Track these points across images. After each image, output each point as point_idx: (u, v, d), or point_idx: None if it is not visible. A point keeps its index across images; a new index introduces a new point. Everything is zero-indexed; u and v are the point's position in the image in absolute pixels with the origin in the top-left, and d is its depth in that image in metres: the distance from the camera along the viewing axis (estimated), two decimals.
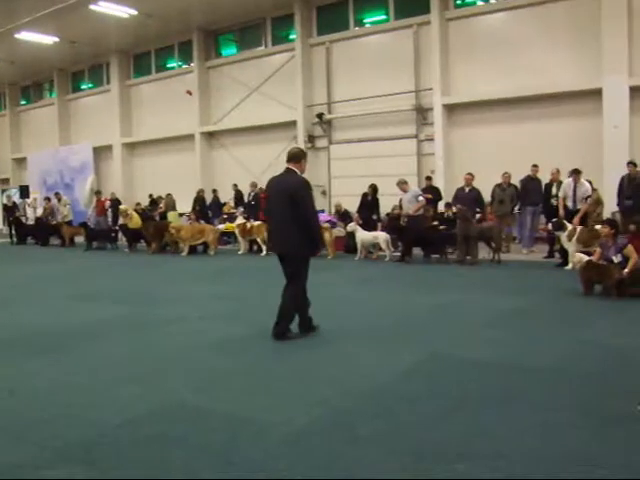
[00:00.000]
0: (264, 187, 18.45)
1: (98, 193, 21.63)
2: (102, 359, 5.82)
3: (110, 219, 20.81)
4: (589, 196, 11.98)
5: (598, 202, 13.23)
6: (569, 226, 11.09)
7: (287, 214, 6.21)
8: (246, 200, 18.69)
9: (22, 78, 30.48)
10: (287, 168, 6.42)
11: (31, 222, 23.09)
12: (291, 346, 6.14)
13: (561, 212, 11.87)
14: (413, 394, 4.59)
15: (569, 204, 11.98)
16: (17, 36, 21.53)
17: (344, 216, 15.91)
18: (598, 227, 10.93)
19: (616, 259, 8.37)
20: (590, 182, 12.40)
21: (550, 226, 11.53)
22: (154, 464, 3.51)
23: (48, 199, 22.81)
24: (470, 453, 3.54)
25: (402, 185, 13.36)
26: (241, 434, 3.88)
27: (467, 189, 13.54)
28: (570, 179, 12.13)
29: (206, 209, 19.51)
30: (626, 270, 8.18)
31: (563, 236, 11.10)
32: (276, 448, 3.66)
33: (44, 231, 21.01)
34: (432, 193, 15.14)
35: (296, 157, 6.44)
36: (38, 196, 26.11)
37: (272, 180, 6.64)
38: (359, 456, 3.54)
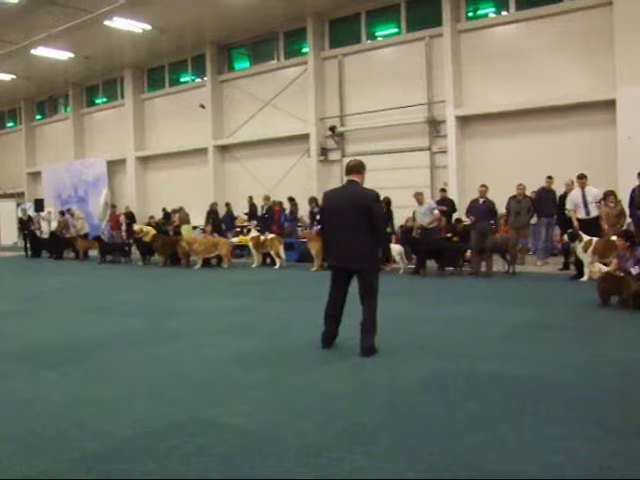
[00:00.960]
0: (277, 200, 18.62)
1: (114, 207, 21.80)
2: (116, 372, 5.82)
3: (124, 232, 20.94)
4: (602, 199, 11.92)
5: (621, 214, 13.09)
6: (585, 237, 11.00)
7: (360, 227, 6.05)
8: (259, 213, 18.72)
9: (37, 93, 30.89)
10: (350, 180, 6.31)
11: (45, 235, 23.28)
12: (307, 361, 6.11)
13: (575, 224, 11.78)
14: (429, 408, 4.55)
15: (581, 214, 11.87)
16: (33, 52, 21.84)
17: None
18: (614, 238, 10.85)
19: (634, 271, 8.29)
20: (615, 193, 12.34)
21: (566, 237, 11.43)
22: (170, 477, 3.49)
23: (62, 213, 23.01)
24: (487, 468, 3.49)
25: (419, 196, 13.36)
26: (258, 448, 3.86)
27: (481, 201, 13.48)
28: (577, 189, 12.05)
29: (219, 222, 19.57)
30: None
31: (579, 247, 11.02)
32: (293, 463, 3.64)
33: (58, 244, 21.15)
34: (446, 205, 15.10)
35: (358, 168, 6.32)
36: (52, 210, 26.35)
37: (333, 192, 6.54)
38: (376, 471, 3.50)
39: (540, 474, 3.40)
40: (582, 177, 11.96)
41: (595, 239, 10.98)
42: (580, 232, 11.19)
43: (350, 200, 6.16)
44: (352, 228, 6.08)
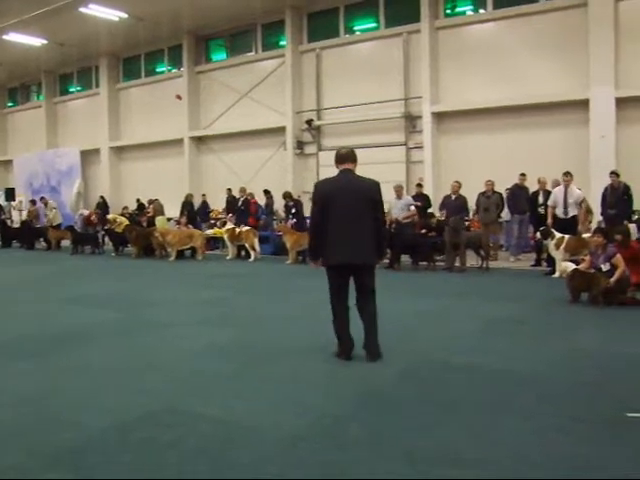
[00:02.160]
0: (252, 192, 18.50)
1: (94, 211, 21.44)
2: (91, 363, 5.78)
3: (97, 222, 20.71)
4: (582, 201, 12.03)
5: (588, 211, 13.34)
6: (557, 235, 11.16)
7: (366, 219, 5.65)
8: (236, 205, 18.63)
9: (9, 80, 30.33)
10: (346, 169, 5.77)
11: (17, 225, 22.91)
12: (281, 352, 6.12)
13: (549, 220, 11.93)
14: (404, 399, 4.60)
15: (559, 212, 11.93)
16: (5, 37, 21.44)
17: None
18: (585, 236, 11.05)
19: (604, 267, 8.45)
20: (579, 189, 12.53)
21: (538, 234, 11.58)
22: (145, 469, 3.48)
23: (33, 202, 22.67)
24: (460, 458, 3.55)
25: (399, 190, 13.42)
26: (233, 439, 3.87)
27: (454, 197, 13.61)
28: (560, 186, 12.14)
29: (194, 214, 19.46)
30: (613, 279, 8.25)
31: (551, 244, 11.17)
32: (268, 453, 3.65)
33: (30, 234, 20.82)
34: (422, 200, 15.19)
35: (352, 157, 5.82)
36: (24, 199, 25.95)
37: (332, 183, 5.83)
38: (350, 461, 3.54)
39: (513, 464, 3.47)
40: (567, 175, 11.99)
41: (567, 236, 11.14)
42: (552, 230, 11.35)
43: (355, 191, 5.68)
44: (359, 220, 5.63)
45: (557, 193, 12.07)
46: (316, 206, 5.79)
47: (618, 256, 8.47)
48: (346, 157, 5.80)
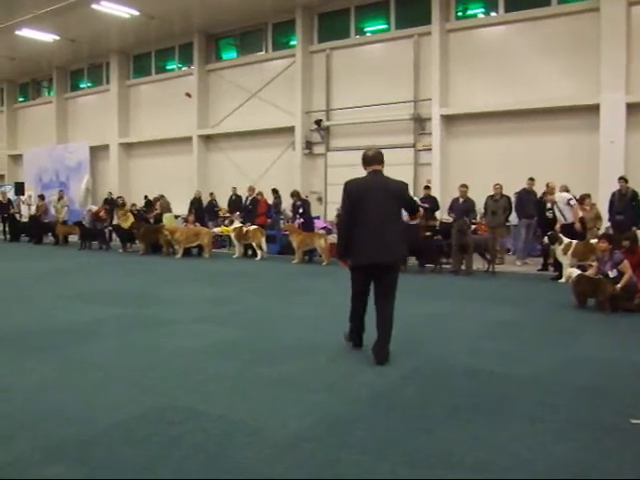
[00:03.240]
0: (261, 192, 18.52)
1: (93, 206, 21.58)
2: (95, 359, 5.81)
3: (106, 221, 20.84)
4: (570, 199, 12.12)
5: (597, 217, 13.31)
6: (565, 240, 11.13)
7: (395, 220, 5.83)
8: (243, 204, 18.66)
9: (21, 75, 30.48)
10: (376, 170, 5.89)
11: (25, 219, 23.02)
12: (285, 352, 6.14)
13: (557, 225, 11.94)
14: (407, 402, 4.60)
15: (563, 220, 12.12)
16: (18, 33, 21.52)
17: None
18: (593, 241, 11.02)
19: (612, 274, 8.43)
20: (589, 196, 12.54)
21: (546, 239, 11.55)
22: (147, 464, 3.50)
23: (42, 197, 22.77)
24: (461, 461, 3.56)
25: None
26: (235, 437, 3.89)
27: (461, 200, 13.60)
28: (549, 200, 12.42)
29: (203, 212, 19.50)
30: (619, 285, 8.24)
31: (558, 249, 11.15)
32: (270, 452, 3.67)
33: (38, 229, 20.93)
34: (430, 203, 15.18)
35: (381, 158, 5.96)
36: (33, 193, 26.07)
37: (363, 182, 5.90)
38: (352, 462, 3.55)
39: (514, 469, 3.47)
40: (549, 187, 12.52)
41: (575, 242, 11.12)
42: (560, 235, 11.32)
43: (387, 191, 5.79)
44: (389, 221, 5.71)
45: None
46: (347, 206, 5.82)
47: (625, 262, 8.45)
48: (374, 159, 5.92)
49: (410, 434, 3.96)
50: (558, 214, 12.09)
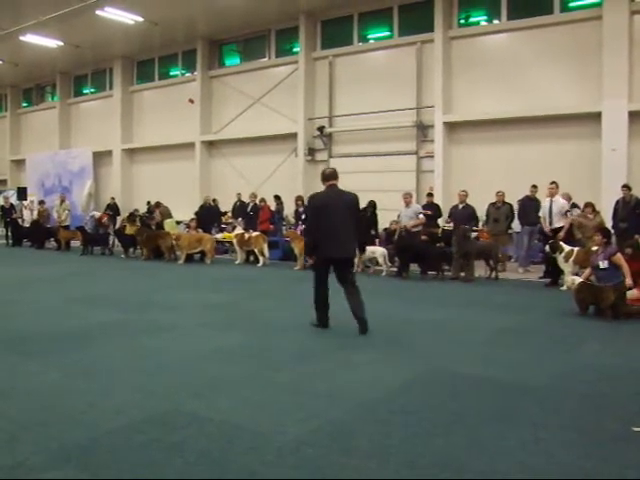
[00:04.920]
0: (264, 198, 18.52)
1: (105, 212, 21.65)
2: (98, 363, 5.81)
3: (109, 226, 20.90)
4: (568, 211, 12.15)
5: (601, 225, 13.28)
6: (566, 247, 11.14)
7: (350, 223, 7.27)
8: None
9: (25, 80, 30.58)
10: (333, 184, 7.44)
11: (27, 224, 23.06)
12: (288, 357, 6.15)
13: (545, 229, 12.23)
14: (410, 408, 4.60)
15: (546, 224, 12.26)
16: (22, 38, 21.61)
17: None
18: (595, 248, 11.03)
19: (602, 264, 8.49)
20: (593, 205, 12.52)
21: (547, 248, 11.54)
22: (150, 469, 3.50)
23: (42, 202, 22.82)
24: (464, 468, 3.55)
25: (407, 198, 13.40)
26: (238, 442, 3.89)
27: (461, 206, 13.60)
28: (547, 199, 12.35)
29: (208, 218, 19.45)
30: (628, 281, 8.28)
31: (560, 258, 11.14)
32: (272, 457, 3.67)
33: (40, 234, 20.97)
34: (432, 210, 15.19)
35: (336, 175, 7.53)
36: (35, 198, 26.13)
37: (324, 194, 7.48)
38: (355, 467, 3.55)
39: (515, 474, 3.47)
40: (552, 183, 12.27)
41: (576, 249, 11.12)
42: (561, 243, 11.33)
43: (341, 201, 7.30)
44: (345, 224, 7.21)
45: (544, 205, 12.33)
46: (312, 214, 7.55)
47: (619, 255, 8.49)
48: (331, 176, 7.51)
49: (412, 440, 3.95)
50: (543, 215, 12.17)
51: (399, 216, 13.79)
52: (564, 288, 10.63)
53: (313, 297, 7.48)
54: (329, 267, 7.39)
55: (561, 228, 12.03)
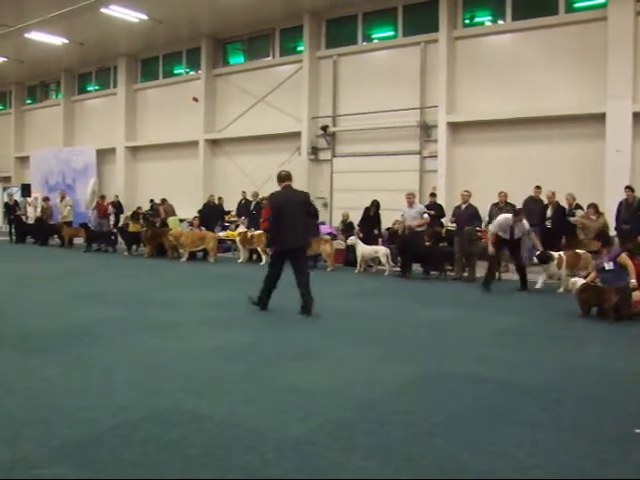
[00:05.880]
0: (264, 197, 18.52)
1: (102, 198, 21.71)
2: (98, 360, 5.83)
3: (112, 222, 20.93)
4: (530, 231, 11.33)
5: (605, 226, 13.26)
6: (554, 254, 11.01)
7: (302, 218, 8.45)
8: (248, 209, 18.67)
9: (29, 78, 30.61)
10: (288, 185, 8.61)
11: (31, 221, 23.11)
12: (288, 356, 6.15)
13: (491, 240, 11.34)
14: (409, 407, 4.60)
15: (505, 236, 11.16)
16: (27, 36, 21.61)
17: (349, 227, 15.93)
18: (580, 252, 11.06)
19: (607, 266, 8.50)
20: (596, 206, 12.52)
21: (536, 260, 11.14)
22: (150, 466, 3.51)
23: (46, 199, 22.86)
24: (463, 468, 3.55)
25: (410, 198, 13.34)
26: (238, 441, 3.89)
27: (464, 206, 13.57)
28: (508, 217, 11.23)
29: (211, 216, 19.45)
30: (633, 281, 8.27)
31: (553, 266, 11.00)
32: (272, 456, 3.67)
33: (44, 231, 21.02)
34: (435, 210, 15.17)
35: (290, 177, 8.71)
36: (39, 195, 26.17)
37: (283, 194, 8.59)
38: (355, 467, 3.55)
39: (514, 474, 3.47)
40: (518, 214, 11.27)
41: (562, 253, 11.14)
42: (549, 252, 11.04)
43: (298, 199, 8.57)
44: (300, 218, 8.39)
45: (502, 222, 11.17)
46: (273, 210, 8.53)
47: (624, 255, 8.48)
48: (286, 177, 8.66)
49: (412, 439, 3.96)
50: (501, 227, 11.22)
51: (402, 216, 13.77)
52: (561, 290, 10.71)
53: (265, 279, 8.53)
54: (285, 257, 8.47)
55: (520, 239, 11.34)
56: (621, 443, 3.95)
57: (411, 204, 13.34)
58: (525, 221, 11.34)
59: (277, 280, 8.49)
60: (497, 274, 12.44)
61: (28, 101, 32.20)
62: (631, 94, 14.76)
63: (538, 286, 11.15)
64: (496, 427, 4.21)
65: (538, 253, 11.13)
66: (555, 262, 10.99)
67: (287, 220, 8.32)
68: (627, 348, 6.92)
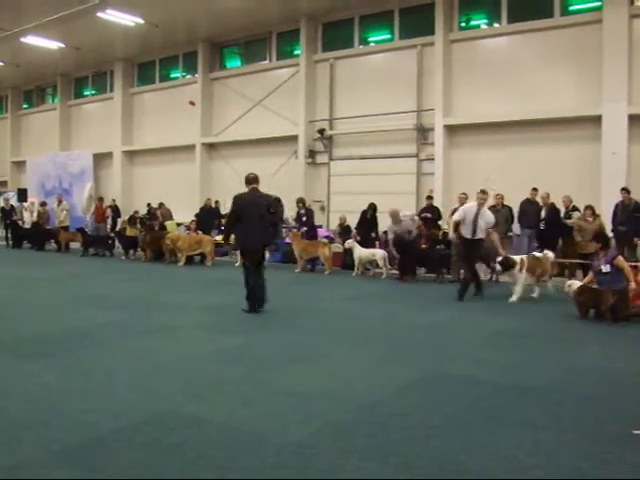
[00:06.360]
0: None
1: (100, 200, 21.71)
2: (97, 364, 5.83)
3: (109, 226, 20.91)
4: (494, 226, 10.72)
5: (601, 228, 13.29)
6: (516, 259, 10.35)
7: (265, 219, 8.86)
8: None
9: (25, 82, 30.58)
10: (254, 187, 9.01)
11: (27, 226, 23.08)
12: (287, 359, 6.16)
13: (451, 234, 11.09)
14: (407, 410, 4.61)
15: (466, 231, 10.47)
16: (23, 40, 21.58)
17: (346, 230, 15.94)
18: (538, 255, 10.69)
19: (604, 269, 8.52)
20: (593, 208, 12.51)
21: (498, 267, 10.50)
22: (150, 469, 3.52)
23: (44, 204, 22.83)
24: (461, 469, 3.56)
25: (394, 215, 13.00)
26: (237, 444, 3.90)
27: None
28: (473, 204, 10.72)
29: (208, 219, 19.43)
30: (632, 284, 8.32)
31: (516, 271, 10.34)
32: (272, 459, 3.68)
33: (40, 236, 20.98)
34: (432, 212, 15.19)
35: (257, 179, 9.11)
36: (36, 200, 26.12)
37: (247, 195, 8.99)
38: (354, 468, 3.56)
39: (513, 474, 3.48)
40: (483, 193, 10.66)
41: (524, 257, 10.50)
42: (510, 257, 10.46)
43: (261, 201, 8.94)
44: (261, 220, 8.76)
45: (467, 210, 10.57)
46: (235, 210, 8.90)
47: (620, 257, 8.53)
48: (254, 180, 9.06)
49: (411, 441, 3.97)
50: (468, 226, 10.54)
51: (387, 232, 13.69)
52: (513, 299, 10.21)
53: (244, 283, 8.87)
54: (254, 255, 8.93)
55: (481, 240, 10.60)
56: (621, 444, 3.96)
57: (396, 222, 13.00)
58: (489, 212, 10.71)
59: (253, 275, 8.87)
60: (495, 276, 12.44)
61: (24, 105, 32.17)
62: (626, 96, 14.82)
63: (534, 295, 10.81)
64: (494, 428, 4.23)
65: (500, 259, 10.36)
66: (517, 268, 10.30)
67: (247, 221, 8.71)
68: (626, 349, 6.94)
